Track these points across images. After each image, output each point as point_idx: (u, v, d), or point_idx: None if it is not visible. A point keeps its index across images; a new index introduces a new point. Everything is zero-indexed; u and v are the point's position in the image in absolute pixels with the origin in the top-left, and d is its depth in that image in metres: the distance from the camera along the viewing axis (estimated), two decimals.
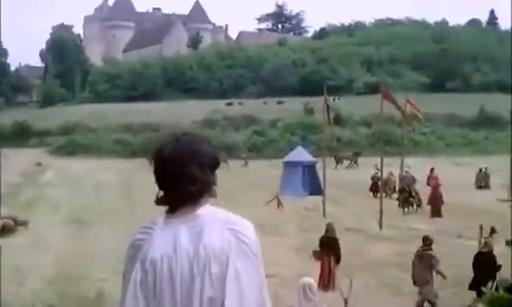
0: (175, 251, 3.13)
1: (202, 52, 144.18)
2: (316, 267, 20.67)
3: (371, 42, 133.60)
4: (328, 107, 37.62)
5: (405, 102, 41.90)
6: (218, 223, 3.17)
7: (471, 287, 16.86)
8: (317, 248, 19.84)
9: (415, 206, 35.77)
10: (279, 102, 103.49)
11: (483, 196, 39.49)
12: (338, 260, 19.25)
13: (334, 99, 64.82)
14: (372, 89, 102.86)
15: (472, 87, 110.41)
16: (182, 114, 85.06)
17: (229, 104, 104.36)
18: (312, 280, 11.14)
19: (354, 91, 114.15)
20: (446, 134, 78.16)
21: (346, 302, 12.20)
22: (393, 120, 61.95)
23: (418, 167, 45.65)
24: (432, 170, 43.27)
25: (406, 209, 35.50)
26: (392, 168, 40.98)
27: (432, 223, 31.59)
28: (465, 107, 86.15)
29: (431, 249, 16.99)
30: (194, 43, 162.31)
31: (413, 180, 37.28)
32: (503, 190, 41.25)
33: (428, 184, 38.20)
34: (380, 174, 35.24)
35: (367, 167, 49.54)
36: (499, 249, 23.87)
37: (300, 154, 44.39)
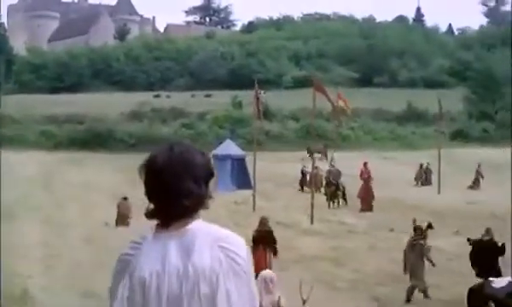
0: (163, 269, 3.02)
1: (130, 44, 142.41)
2: None
3: (299, 36, 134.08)
4: (258, 100, 37.05)
5: (336, 97, 41.56)
6: (209, 240, 3.03)
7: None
8: (250, 243, 19.17)
9: (340, 201, 35.52)
10: (207, 95, 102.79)
11: (414, 191, 39.54)
12: (275, 252, 18.71)
13: (259, 93, 64.39)
14: (300, 84, 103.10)
15: (399, 82, 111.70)
16: (108, 106, 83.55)
17: (157, 96, 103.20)
18: (273, 273, 11.19)
19: (283, 85, 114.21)
20: (374, 128, 78.46)
21: (304, 303, 11.63)
22: (322, 115, 61.82)
23: (347, 161, 45.62)
24: (365, 164, 43.30)
25: (333, 203, 35.21)
26: (320, 162, 40.77)
27: (362, 217, 31.40)
28: (392, 102, 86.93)
29: (422, 238, 17.44)
30: (122, 34, 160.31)
31: (339, 174, 36.98)
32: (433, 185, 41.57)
33: (362, 178, 38.18)
34: (308, 168, 34.92)
35: (295, 161, 49.25)
36: (437, 243, 23.81)
37: (229, 148, 43.75)
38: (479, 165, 45.25)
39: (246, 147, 48.51)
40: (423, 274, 17.08)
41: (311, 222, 29.22)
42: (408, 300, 16.68)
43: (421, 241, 17.36)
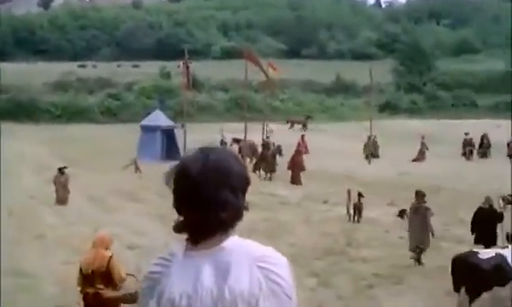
0: (196, 291, 2.75)
1: (54, 11, 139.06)
2: (179, 236, 19.41)
3: (228, 6, 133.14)
4: (188, 70, 36.21)
5: (267, 66, 41.13)
6: (247, 260, 2.75)
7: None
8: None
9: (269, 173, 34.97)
10: (134, 66, 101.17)
11: (345, 162, 39.24)
12: None
13: (183, 63, 63.28)
14: (228, 54, 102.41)
15: (327, 54, 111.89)
16: (32, 76, 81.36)
17: (83, 66, 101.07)
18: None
19: (211, 56, 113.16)
20: (303, 100, 78.45)
21: None
22: (251, 86, 61.23)
23: (277, 133, 45.25)
24: (302, 136, 43.04)
25: (265, 174, 34.67)
26: (251, 133, 40.05)
27: (295, 188, 30.95)
28: (321, 74, 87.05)
29: (424, 202, 18.01)
30: (46, 2, 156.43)
31: (276, 147, 36.45)
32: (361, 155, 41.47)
33: (302, 151, 37.95)
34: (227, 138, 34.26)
35: (226, 132, 48.60)
36: (372, 215, 23.55)
37: (158, 118, 42.71)
38: (423, 137, 45.33)
39: (174, 117, 47.71)
40: (427, 234, 17.61)
41: None
42: (419, 262, 17.21)
43: (424, 205, 17.97)
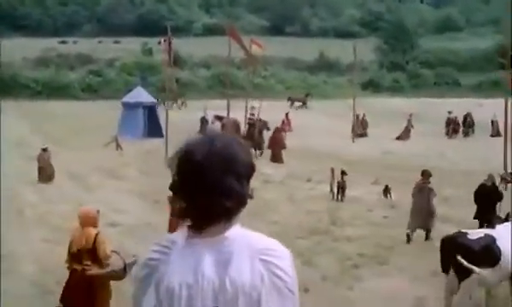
0: (196, 281, 2.68)
1: None
2: (161, 214, 19.18)
3: None
4: (170, 46, 35.73)
5: (249, 43, 40.76)
6: (249, 252, 2.69)
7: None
8: (170, 193, 18.13)
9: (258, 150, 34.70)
10: (115, 42, 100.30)
11: (329, 140, 39.03)
12: None
13: (164, 40, 62.41)
14: (211, 31, 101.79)
15: (310, 32, 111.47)
16: (13, 51, 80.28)
17: (63, 42, 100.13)
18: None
19: (193, 32, 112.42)
20: (286, 77, 78.15)
21: None
22: (233, 63, 60.77)
23: (262, 110, 44.94)
24: (287, 114, 42.75)
25: (254, 152, 34.35)
26: (234, 111, 39.73)
27: (279, 167, 30.71)
28: (304, 52, 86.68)
29: (429, 182, 18.32)
30: None
31: (263, 123, 36.10)
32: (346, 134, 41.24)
33: (283, 129, 37.76)
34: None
35: (209, 109, 48.23)
36: (356, 193, 23.38)
37: (140, 95, 42.25)
38: (410, 115, 45.17)
39: (156, 94, 47.28)
40: (432, 213, 17.90)
41: None
42: (408, 241, 17.32)
43: (429, 185, 18.26)
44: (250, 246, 2.69)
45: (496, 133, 42.49)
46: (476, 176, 26.72)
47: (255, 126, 35.07)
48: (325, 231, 17.69)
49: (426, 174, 18.51)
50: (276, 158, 32.44)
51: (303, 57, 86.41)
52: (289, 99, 63.45)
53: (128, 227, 17.88)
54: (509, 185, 22.58)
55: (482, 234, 11.55)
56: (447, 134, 44.92)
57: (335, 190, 22.81)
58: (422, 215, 17.73)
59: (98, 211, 10.79)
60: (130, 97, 42.24)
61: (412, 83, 77.23)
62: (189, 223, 2.73)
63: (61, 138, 35.99)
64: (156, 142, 35.01)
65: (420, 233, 17.48)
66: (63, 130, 39.95)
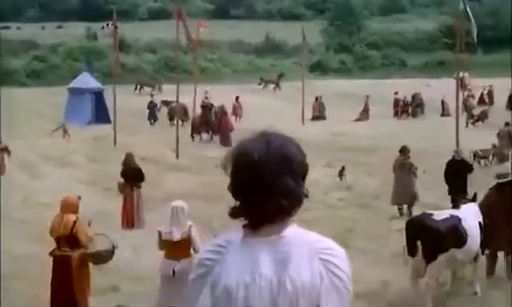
0: (254, 280, 2.67)
1: None
2: (112, 201, 18.77)
3: None
4: (116, 30, 35.13)
5: (197, 27, 40.39)
6: (308, 251, 2.71)
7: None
8: (120, 180, 17.70)
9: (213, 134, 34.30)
10: (59, 27, 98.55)
11: (277, 122, 38.70)
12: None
13: (107, 24, 61.44)
14: (156, 15, 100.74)
15: (256, 15, 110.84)
16: None
17: (6, 28, 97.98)
18: (184, 203, 10.65)
19: (138, 17, 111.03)
20: (233, 61, 77.76)
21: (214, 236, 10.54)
22: (180, 46, 60.06)
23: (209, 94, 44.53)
24: (237, 98, 42.39)
25: (210, 137, 33.98)
26: (181, 95, 39.24)
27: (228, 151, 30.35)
28: (250, 35, 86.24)
29: (409, 157, 19.24)
30: None
31: (220, 108, 35.67)
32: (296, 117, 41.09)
33: (235, 113, 37.49)
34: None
35: (156, 95, 47.69)
36: (312, 176, 23.13)
37: (86, 80, 41.56)
38: (367, 97, 45.17)
39: (102, 80, 46.50)
40: (414, 188, 18.80)
41: (177, 156, 27.97)
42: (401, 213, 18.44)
43: (410, 160, 19.17)
44: (308, 245, 2.72)
45: (446, 113, 42.85)
46: (429, 156, 26.98)
47: (210, 109, 34.61)
48: None
49: (405, 150, 19.37)
50: (225, 141, 32.12)
51: (249, 40, 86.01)
52: (262, 80, 63.00)
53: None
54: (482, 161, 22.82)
55: (448, 215, 11.39)
56: (395, 115, 45.07)
57: None
58: (403, 189, 18.51)
59: (79, 198, 11.13)
60: (76, 83, 41.52)
61: (359, 65, 77.37)
62: (243, 222, 2.73)
63: (7, 125, 35.16)
64: (104, 128, 34.48)
65: (373, 216, 17.37)
66: (8, 118, 39.05)
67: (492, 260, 12.47)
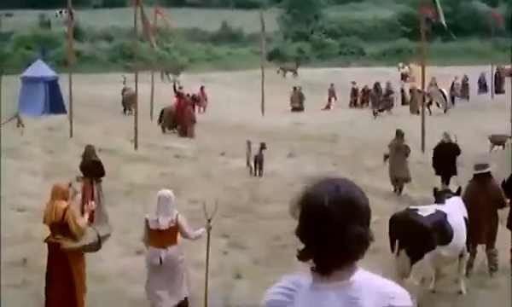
0: None
1: None
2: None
3: None
4: (71, 18, 34.09)
5: (153, 13, 39.63)
6: (377, 296, 2.77)
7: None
8: (78, 173, 16.89)
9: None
10: (8, 14, 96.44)
11: (239, 112, 38.17)
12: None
13: (60, 12, 60.05)
14: (110, 3, 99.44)
15: (212, 3, 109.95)
16: None
17: None
18: (170, 192, 10.79)
19: (92, 4, 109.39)
20: (189, 49, 76.86)
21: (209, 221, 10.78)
22: (136, 34, 59.06)
23: (165, 84, 43.97)
24: (202, 88, 41.76)
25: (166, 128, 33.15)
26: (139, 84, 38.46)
27: (190, 141, 29.73)
28: (207, 23, 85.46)
29: (404, 140, 20.58)
30: None
31: (193, 97, 34.85)
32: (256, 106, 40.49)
33: (199, 104, 37.03)
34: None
35: (111, 83, 46.79)
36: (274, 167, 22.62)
37: (41, 69, 40.24)
38: (332, 85, 44.73)
39: (56, 68, 45.32)
40: (408, 168, 20.37)
41: (136, 147, 27.20)
42: (395, 190, 20.09)
43: (404, 143, 20.48)
44: (377, 289, 2.76)
45: (406, 101, 42.89)
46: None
47: (184, 98, 33.72)
48: (247, 208, 16.89)
49: (400, 133, 20.58)
50: (186, 132, 31.43)
51: (205, 28, 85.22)
52: (281, 68, 62.64)
53: (36, 211, 16.56)
54: None
55: (433, 211, 10.68)
56: (352, 104, 44.72)
57: (253, 164, 22.00)
58: (398, 170, 20.12)
59: (70, 185, 11.24)
60: (30, 72, 40.25)
61: (317, 54, 77.06)
62: (312, 264, 2.80)
63: None
64: (59, 119, 33.50)
65: None
66: None
67: (472, 254, 12.01)
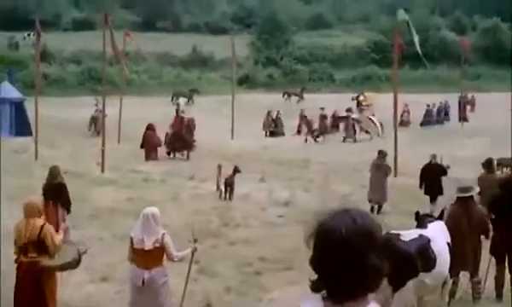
0: None
1: None
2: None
3: None
4: (39, 39, 33.56)
5: (124, 36, 39.31)
6: None
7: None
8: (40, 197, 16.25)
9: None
10: None
11: (208, 136, 37.62)
12: (68, 209, 16.01)
13: (28, 34, 59.50)
14: (80, 26, 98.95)
15: (182, 27, 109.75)
16: None
17: None
18: (156, 209, 10.08)
19: (61, 27, 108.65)
20: (160, 73, 76.44)
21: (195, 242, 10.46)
22: (105, 58, 58.46)
23: (136, 107, 43.46)
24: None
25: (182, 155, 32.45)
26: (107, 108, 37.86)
27: (158, 164, 29.17)
28: (177, 47, 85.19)
29: (385, 160, 21.11)
30: None
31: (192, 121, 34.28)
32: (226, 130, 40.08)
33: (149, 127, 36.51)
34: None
35: (78, 106, 46.19)
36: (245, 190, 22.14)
37: (7, 91, 39.52)
38: (302, 110, 44.51)
39: (23, 91, 44.60)
40: (386, 190, 20.64)
41: (102, 170, 26.60)
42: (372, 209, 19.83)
43: (385, 163, 21.01)
44: None
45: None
46: (361, 171, 26.37)
47: (184, 124, 33.11)
48: (218, 234, 16.35)
49: (382, 153, 21.07)
50: (150, 156, 30.93)
51: (176, 52, 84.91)
52: (285, 93, 63.11)
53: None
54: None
55: (416, 235, 10.02)
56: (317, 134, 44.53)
57: (223, 188, 21.51)
58: (377, 189, 20.33)
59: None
60: None
61: (287, 79, 76.93)
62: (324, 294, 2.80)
63: None
64: (24, 141, 32.85)
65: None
66: None
67: (454, 282, 11.53)
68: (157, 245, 9.68)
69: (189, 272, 10.38)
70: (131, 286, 9.98)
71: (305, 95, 61.55)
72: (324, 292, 2.80)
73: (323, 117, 42.27)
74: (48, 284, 10.01)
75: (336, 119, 42.64)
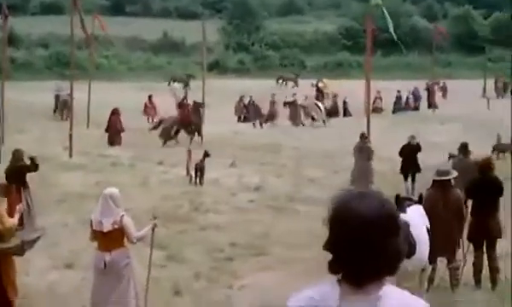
0: None
1: None
2: None
3: None
4: (5, 23, 32.90)
5: (93, 20, 38.74)
6: None
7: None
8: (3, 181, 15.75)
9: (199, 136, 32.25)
10: None
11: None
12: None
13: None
14: (48, 10, 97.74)
15: (152, 12, 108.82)
16: None
17: None
18: (116, 190, 9.89)
19: (29, 11, 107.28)
20: (129, 58, 75.71)
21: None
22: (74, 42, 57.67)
23: (105, 92, 42.89)
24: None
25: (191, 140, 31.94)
26: (76, 92, 37.25)
27: (126, 149, 28.66)
28: (147, 32, 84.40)
29: (368, 142, 21.37)
30: None
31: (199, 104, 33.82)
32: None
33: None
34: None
35: (45, 91, 45.43)
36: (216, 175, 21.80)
37: None
38: (272, 95, 43.94)
39: None
40: (372, 173, 20.69)
41: (70, 155, 26.06)
42: None
43: (369, 145, 21.21)
44: (405, 305, 2.69)
45: (349, 114, 43.06)
46: (333, 157, 26.13)
47: (187, 107, 32.65)
48: (187, 219, 15.97)
49: (364, 135, 21.41)
50: (114, 140, 30.43)
51: (146, 37, 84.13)
52: (280, 78, 62.81)
53: None
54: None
55: None
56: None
57: (193, 173, 21.12)
58: (362, 174, 20.29)
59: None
60: None
61: (258, 65, 76.67)
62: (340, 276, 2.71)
63: None
64: None
65: (288, 219, 16.08)
66: None
67: (433, 268, 11.24)
68: (116, 226, 9.42)
69: (151, 253, 10.11)
70: (94, 270, 9.77)
71: (273, 82, 61.17)
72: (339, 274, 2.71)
73: (272, 103, 41.99)
74: (5, 268, 9.73)
75: (285, 105, 42.32)
